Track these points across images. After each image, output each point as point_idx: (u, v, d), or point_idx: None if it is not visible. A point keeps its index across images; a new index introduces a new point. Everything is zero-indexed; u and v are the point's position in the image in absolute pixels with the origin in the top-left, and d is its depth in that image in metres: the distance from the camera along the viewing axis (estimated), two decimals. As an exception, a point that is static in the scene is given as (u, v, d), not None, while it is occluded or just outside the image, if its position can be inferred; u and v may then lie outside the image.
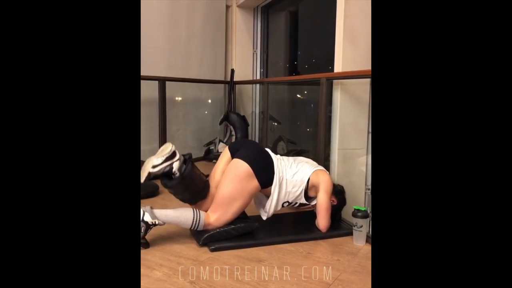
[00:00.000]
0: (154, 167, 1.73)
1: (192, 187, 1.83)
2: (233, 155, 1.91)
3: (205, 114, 4.20)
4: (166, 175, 1.79)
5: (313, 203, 1.99)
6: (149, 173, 1.73)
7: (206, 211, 1.87)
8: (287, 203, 1.96)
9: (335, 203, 2.02)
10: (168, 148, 1.77)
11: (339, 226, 2.00)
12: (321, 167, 2.02)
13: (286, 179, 1.90)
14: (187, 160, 1.83)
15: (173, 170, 1.76)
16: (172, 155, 1.77)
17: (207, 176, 1.98)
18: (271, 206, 1.91)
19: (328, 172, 2.00)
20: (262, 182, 1.85)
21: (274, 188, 1.88)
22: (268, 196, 1.93)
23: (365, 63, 2.20)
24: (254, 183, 1.83)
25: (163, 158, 1.74)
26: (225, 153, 1.98)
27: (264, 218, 1.96)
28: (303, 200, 1.95)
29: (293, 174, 1.92)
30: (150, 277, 1.45)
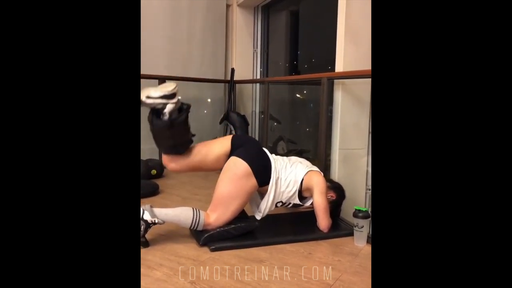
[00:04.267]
0: (148, 97, 1.65)
1: (174, 137, 1.77)
2: (233, 150, 1.90)
3: (205, 113, 4.20)
4: (155, 112, 1.71)
5: (307, 204, 1.98)
6: (141, 102, 1.65)
7: (174, 169, 1.87)
8: (280, 203, 1.96)
9: (334, 198, 2.03)
10: (170, 87, 1.68)
11: (339, 227, 1.99)
12: (315, 168, 2.01)
13: (281, 179, 1.90)
14: (183, 109, 1.76)
15: (165, 110, 1.67)
16: (171, 95, 1.68)
17: (193, 135, 1.91)
18: (266, 206, 1.91)
19: (321, 173, 1.99)
20: (260, 181, 1.85)
21: (271, 187, 1.87)
22: (263, 195, 1.92)
23: (366, 63, 2.19)
24: (253, 182, 1.82)
25: (161, 94, 1.65)
26: (226, 140, 1.94)
27: (258, 217, 1.95)
28: (296, 201, 1.95)
29: (288, 174, 1.91)
30: (150, 276, 1.44)
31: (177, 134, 1.76)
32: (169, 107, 1.67)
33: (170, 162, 1.88)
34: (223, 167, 1.90)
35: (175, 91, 1.68)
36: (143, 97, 1.64)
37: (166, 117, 1.68)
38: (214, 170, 1.98)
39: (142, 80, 2.61)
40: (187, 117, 1.77)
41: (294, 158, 2.06)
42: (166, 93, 1.66)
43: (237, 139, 1.97)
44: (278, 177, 1.89)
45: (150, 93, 1.65)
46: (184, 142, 1.84)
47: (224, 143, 1.94)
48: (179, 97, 1.71)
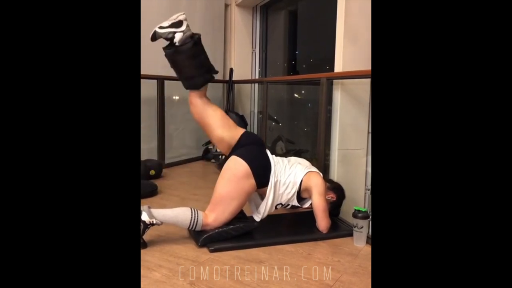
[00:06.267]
0: (160, 28, 1.71)
1: (185, 67, 1.81)
2: (237, 147, 1.89)
3: (203, 113, 4.18)
4: (169, 43, 1.76)
5: (306, 205, 1.98)
6: (155, 32, 1.71)
7: (191, 106, 1.94)
8: (280, 205, 1.95)
9: (334, 199, 2.03)
10: (176, 14, 1.73)
11: (339, 227, 1.99)
12: (314, 169, 2.00)
13: (280, 181, 1.89)
14: (195, 39, 1.77)
15: (174, 39, 1.72)
16: (178, 23, 1.72)
17: (215, 70, 1.93)
18: (266, 208, 1.90)
19: (320, 174, 1.99)
20: (259, 182, 1.84)
21: (270, 189, 1.87)
22: (262, 196, 1.92)
23: (365, 63, 2.20)
24: (251, 183, 1.82)
25: (169, 23, 1.72)
26: (237, 131, 1.94)
27: (257, 219, 1.94)
28: (295, 202, 1.94)
29: (287, 176, 1.91)
30: (149, 278, 1.44)
31: (185, 62, 1.79)
32: (178, 36, 1.71)
33: (192, 98, 1.93)
34: (218, 145, 1.96)
35: (181, 18, 1.72)
36: (156, 28, 1.70)
37: (176, 44, 1.73)
38: (211, 139, 2.03)
39: (140, 80, 2.60)
40: (194, 46, 1.77)
41: (293, 159, 2.06)
42: (173, 21, 1.71)
43: (246, 138, 1.93)
44: (277, 180, 1.88)
45: (162, 24, 1.71)
46: (193, 75, 1.84)
47: (233, 132, 1.93)
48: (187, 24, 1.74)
